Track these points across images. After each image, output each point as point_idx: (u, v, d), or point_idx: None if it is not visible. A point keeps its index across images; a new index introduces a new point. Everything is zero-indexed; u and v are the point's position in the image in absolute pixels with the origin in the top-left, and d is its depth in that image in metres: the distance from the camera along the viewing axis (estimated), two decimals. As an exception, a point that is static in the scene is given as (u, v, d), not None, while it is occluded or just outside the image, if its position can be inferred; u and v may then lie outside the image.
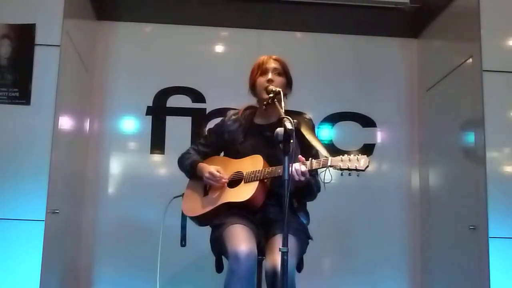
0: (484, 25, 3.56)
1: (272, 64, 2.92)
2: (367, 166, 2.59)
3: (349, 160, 2.59)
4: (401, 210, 4.56)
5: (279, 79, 2.89)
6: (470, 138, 3.70)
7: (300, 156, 2.69)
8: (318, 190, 2.88)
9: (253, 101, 3.06)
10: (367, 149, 4.56)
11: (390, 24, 4.67)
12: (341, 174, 2.61)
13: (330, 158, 2.63)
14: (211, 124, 3.27)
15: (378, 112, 4.65)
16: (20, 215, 3.26)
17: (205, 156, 3.08)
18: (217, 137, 3.07)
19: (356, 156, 2.60)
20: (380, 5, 4.49)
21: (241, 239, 2.57)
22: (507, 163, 3.51)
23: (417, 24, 4.67)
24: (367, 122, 4.63)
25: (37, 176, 3.29)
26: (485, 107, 3.49)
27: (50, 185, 3.31)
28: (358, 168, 2.58)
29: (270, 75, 2.88)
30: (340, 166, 2.59)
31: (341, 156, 2.62)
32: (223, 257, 2.80)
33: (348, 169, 2.58)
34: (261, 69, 2.92)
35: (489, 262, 3.33)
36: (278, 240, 2.53)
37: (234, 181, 2.89)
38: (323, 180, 2.64)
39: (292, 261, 2.49)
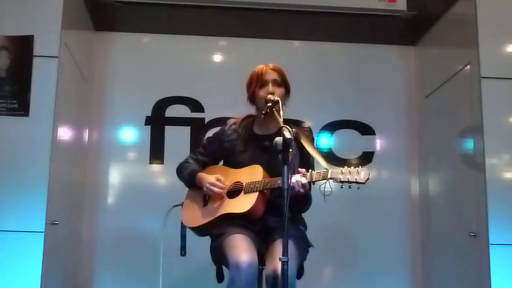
0: (482, 32, 3.57)
1: (271, 75, 2.91)
2: (368, 179, 2.60)
3: (349, 172, 2.59)
4: (401, 218, 4.55)
5: (279, 90, 2.89)
6: (469, 144, 3.70)
7: (300, 169, 2.70)
8: (311, 203, 2.89)
9: (251, 110, 3.06)
10: (366, 157, 4.57)
11: (387, 32, 4.67)
12: (342, 187, 2.61)
13: (330, 170, 2.63)
14: (210, 133, 3.26)
15: (377, 119, 4.66)
16: (19, 227, 3.25)
17: (204, 165, 3.07)
18: (216, 146, 3.06)
19: (357, 168, 2.61)
20: (377, 13, 4.49)
21: (242, 249, 2.56)
22: (506, 169, 3.50)
23: (415, 32, 4.68)
24: (366, 130, 4.63)
25: (36, 187, 3.28)
26: (484, 114, 3.49)
27: (50, 196, 3.30)
28: (358, 180, 2.58)
29: (270, 88, 2.87)
30: (340, 178, 2.60)
31: (341, 168, 2.62)
32: (223, 266, 2.79)
33: (348, 182, 2.59)
34: (260, 81, 2.91)
35: (490, 269, 3.32)
36: (278, 245, 2.52)
37: (234, 192, 2.88)
38: (323, 193, 2.63)
39: (292, 268, 2.48)
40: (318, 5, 4.46)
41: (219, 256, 2.74)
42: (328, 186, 2.63)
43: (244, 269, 2.47)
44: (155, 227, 3.84)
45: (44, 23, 3.46)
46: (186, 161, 3.09)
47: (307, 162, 2.86)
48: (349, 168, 2.61)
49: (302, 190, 2.65)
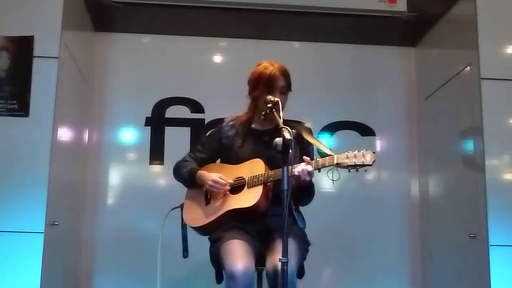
0: (482, 33, 3.57)
1: (280, 83, 2.85)
2: (374, 161, 2.56)
3: (355, 156, 2.57)
4: (401, 218, 4.55)
5: (284, 98, 2.86)
6: (469, 146, 3.70)
7: (305, 157, 2.69)
8: (314, 193, 2.88)
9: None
10: (367, 158, 4.55)
11: (387, 33, 4.66)
12: (349, 171, 2.59)
13: (335, 156, 2.60)
14: (210, 134, 3.26)
15: (377, 121, 4.66)
16: (19, 227, 3.24)
17: (203, 163, 3.05)
18: (215, 143, 3.05)
19: (362, 151, 2.58)
20: (377, 14, 4.48)
21: (237, 257, 2.55)
22: (506, 170, 3.50)
23: (415, 33, 4.67)
24: (366, 131, 4.63)
25: (36, 188, 3.28)
26: (484, 115, 3.49)
27: (49, 196, 3.30)
28: (365, 163, 2.55)
29: (277, 96, 2.78)
30: (346, 163, 2.57)
31: (346, 153, 2.59)
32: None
33: (355, 165, 2.56)
34: (268, 87, 2.84)
35: (490, 270, 3.32)
36: (279, 243, 2.48)
37: (236, 187, 2.86)
38: (331, 179, 2.62)
39: (292, 264, 2.47)
40: (318, 6, 4.45)
41: (217, 261, 2.75)
42: (336, 171, 2.61)
43: (239, 277, 2.46)
44: (155, 228, 3.82)
45: (44, 24, 3.45)
46: (184, 160, 3.07)
47: (306, 150, 2.86)
48: (354, 152, 2.58)
49: (308, 178, 2.63)
